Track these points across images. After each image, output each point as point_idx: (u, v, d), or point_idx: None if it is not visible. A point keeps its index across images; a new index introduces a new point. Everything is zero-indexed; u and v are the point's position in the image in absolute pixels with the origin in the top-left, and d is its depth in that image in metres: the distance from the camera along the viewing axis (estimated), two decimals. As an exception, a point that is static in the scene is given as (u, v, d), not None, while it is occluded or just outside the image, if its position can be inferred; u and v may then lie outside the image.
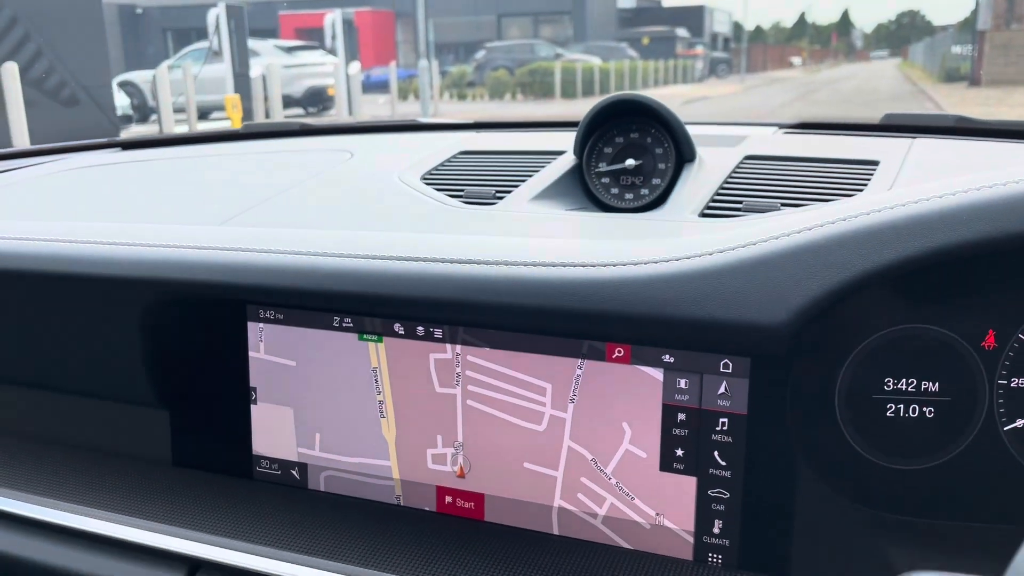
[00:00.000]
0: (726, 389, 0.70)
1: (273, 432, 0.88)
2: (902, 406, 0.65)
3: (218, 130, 1.67)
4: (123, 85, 13.68)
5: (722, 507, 0.72)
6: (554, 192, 1.01)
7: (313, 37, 20.45)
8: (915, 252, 0.56)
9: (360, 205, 1.00)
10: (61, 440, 0.98)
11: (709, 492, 0.72)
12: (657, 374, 0.72)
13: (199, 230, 0.85)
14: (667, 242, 0.68)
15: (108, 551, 0.82)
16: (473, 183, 1.07)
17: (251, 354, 0.87)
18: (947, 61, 24.46)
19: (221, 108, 12.47)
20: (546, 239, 0.73)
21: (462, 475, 0.81)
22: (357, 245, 0.75)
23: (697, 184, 0.99)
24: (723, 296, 0.60)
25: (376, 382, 0.83)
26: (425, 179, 1.09)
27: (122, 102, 11.82)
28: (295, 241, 0.78)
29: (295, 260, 0.75)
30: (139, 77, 14.83)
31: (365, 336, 0.82)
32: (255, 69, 12.50)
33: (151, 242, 0.82)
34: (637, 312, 0.63)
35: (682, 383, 0.72)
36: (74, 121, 8.16)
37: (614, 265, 0.65)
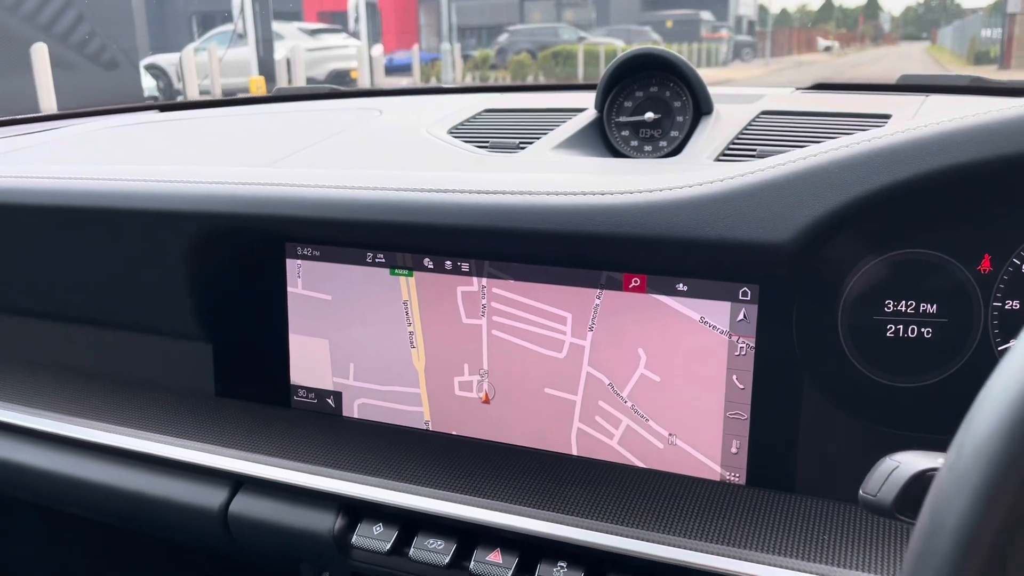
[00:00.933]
0: (736, 315, 0.75)
1: (310, 363, 0.93)
2: (901, 327, 0.69)
3: (252, 95, 1.73)
4: (149, 68, 13.80)
5: (735, 428, 0.77)
6: (575, 143, 1.06)
7: (336, 20, 20.51)
8: (911, 174, 0.60)
9: (390, 153, 1.05)
10: (108, 375, 1.05)
11: (727, 414, 0.77)
12: (671, 302, 0.77)
13: (241, 169, 0.90)
14: (681, 175, 0.73)
15: (157, 470, 0.89)
16: (497, 136, 1.11)
17: (289, 289, 0.93)
18: (976, 44, 24.07)
19: (246, 90, 12.57)
20: (566, 175, 0.78)
21: (487, 401, 0.86)
22: (389, 180, 0.80)
23: (713, 135, 1.03)
24: (731, 217, 0.65)
25: (407, 314, 0.88)
26: (451, 132, 1.14)
27: (148, 84, 11.95)
28: (332, 178, 0.83)
29: (332, 193, 0.80)
30: (165, 60, 14.94)
31: (396, 271, 0.87)
32: (279, 52, 12.58)
33: (196, 179, 0.87)
34: (651, 235, 0.68)
35: (695, 311, 0.76)
36: (116, 84, 8.39)
37: (630, 193, 0.69)
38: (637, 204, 0.68)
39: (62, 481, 0.92)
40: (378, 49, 14.03)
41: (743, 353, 0.75)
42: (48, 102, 6.82)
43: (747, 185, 0.65)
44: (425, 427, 0.89)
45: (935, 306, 0.68)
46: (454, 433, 0.88)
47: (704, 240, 0.67)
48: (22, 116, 1.58)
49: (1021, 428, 0.34)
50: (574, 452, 0.84)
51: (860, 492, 0.50)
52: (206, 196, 0.86)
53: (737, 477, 0.78)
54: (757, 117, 1.09)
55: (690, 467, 0.79)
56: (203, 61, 11.49)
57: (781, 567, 0.66)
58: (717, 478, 0.78)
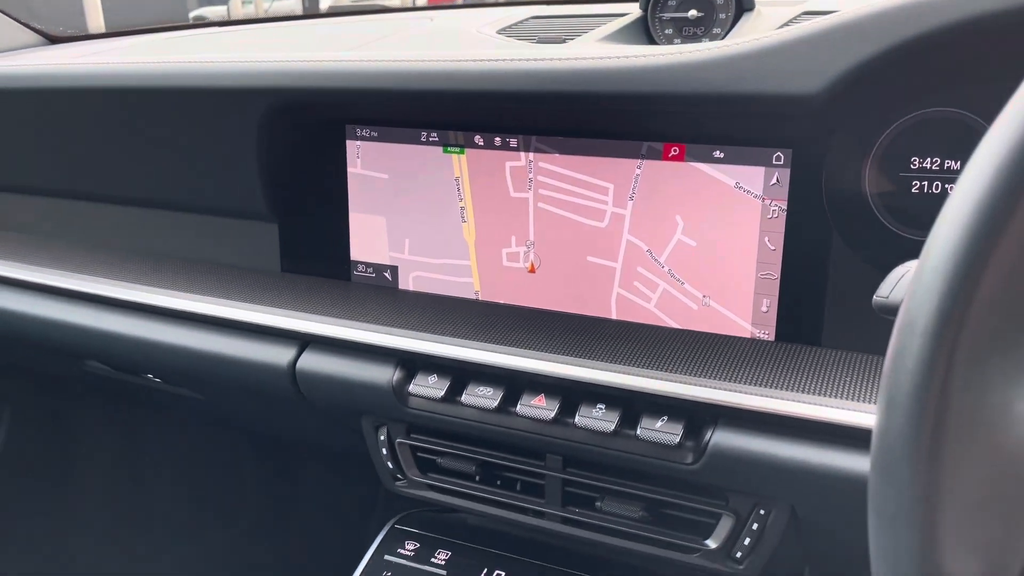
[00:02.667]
0: (770, 180, 0.79)
1: (368, 239, 1.00)
2: (926, 183, 0.73)
3: (307, 13, 1.79)
4: (197, 21, 13.94)
5: (766, 287, 0.82)
6: (619, 38, 1.10)
7: (380, -28, 20.37)
8: (941, 23, 0.63)
9: (442, 47, 1.11)
10: (179, 257, 1.13)
11: (758, 274, 0.82)
12: (708, 169, 0.82)
13: (306, 53, 0.97)
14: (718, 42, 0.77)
15: (231, 333, 0.97)
16: (544, 33, 1.16)
17: (350, 170, 0.99)
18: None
19: (291, 42, 12.62)
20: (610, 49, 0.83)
21: (533, 271, 0.93)
22: (443, 55, 0.86)
23: (752, 30, 1.06)
24: (764, 70, 0.69)
25: (458, 190, 0.94)
26: (500, 32, 1.18)
27: (197, 36, 12.06)
28: (390, 56, 0.89)
29: (390, 66, 0.86)
30: (212, 12, 15.08)
31: (449, 149, 0.93)
32: (324, 2, 12.61)
33: (264, 60, 0.94)
34: (688, 91, 0.73)
35: (730, 177, 0.81)
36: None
37: (668, 54, 0.74)
38: (674, 63, 0.73)
39: (146, 346, 1.01)
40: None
41: (775, 216, 0.80)
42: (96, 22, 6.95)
43: (780, 41, 0.69)
44: (475, 297, 0.96)
45: (959, 162, 0.72)
46: (502, 302, 0.95)
47: (739, 94, 0.71)
48: (90, 33, 1.66)
49: (988, 213, 0.34)
50: (613, 316, 0.90)
51: (874, 297, 0.55)
52: (274, 73, 0.92)
53: (767, 334, 0.83)
54: (798, 15, 1.11)
55: (722, 326, 0.85)
56: (250, 12, 11.59)
57: (806, 403, 0.71)
58: (748, 335, 0.84)
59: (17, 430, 1.58)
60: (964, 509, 0.37)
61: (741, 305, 0.84)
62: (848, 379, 0.74)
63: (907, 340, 0.37)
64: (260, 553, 1.85)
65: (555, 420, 0.80)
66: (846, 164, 0.75)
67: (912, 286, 0.37)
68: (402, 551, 0.95)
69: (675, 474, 0.78)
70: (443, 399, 0.85)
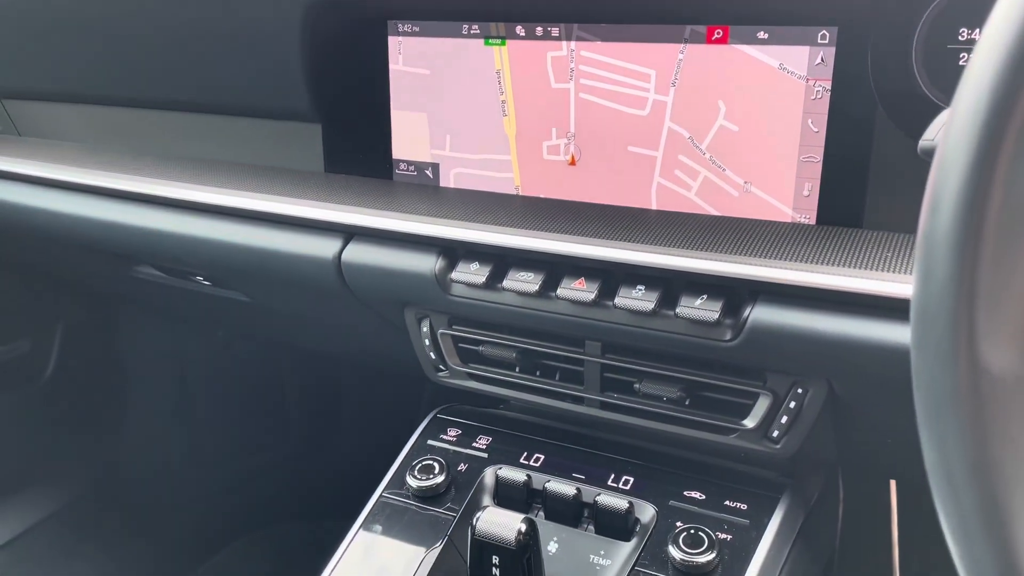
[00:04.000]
0: (814, 59, 0.79)
1: (410, 137, 1.02)
2: (975, 55, 0.72)
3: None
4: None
5: (808, 170, 0.82)
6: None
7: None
8: None
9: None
10: (224, 160, 1.15)
11: (800, 157, 0.82)
12: (752, 51, 0.81)
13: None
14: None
15: (277, 227, 0.99)
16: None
17: (391, 66, 1.00)
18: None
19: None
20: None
21: (573, 163, 0.93)
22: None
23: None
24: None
25: (499, 83, 0.95)
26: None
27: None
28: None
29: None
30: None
31: (490, 41, 0.94)
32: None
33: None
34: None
35: (774, 58, 0.81)
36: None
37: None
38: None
39: (196, 243, 1.04)
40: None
41: (819, 97, 0.80)
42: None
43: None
44: (515, 192, 0.97)
45: (1011, 33, 0.71)
46: (542, 196, 0.96)
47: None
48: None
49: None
50: (653, 206, 0.90)
51: (920, 142, 0.55)
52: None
53: (808, 218, 0.83)
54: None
55: (763, 212, 0.85)
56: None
57: (846, 276, 0.72)
58: (789, 220, 0.84)
59: (69, 346, 1.65)
60: (1005, 301, 0.38)
61: (783, 190, 0.84)
62: (890, 255, 0.74)
63: (956, 137, 0.37)
64: (309, 462, 1.92)
65: (595, 302, 0.82)
66: (893, 39, 0.74)
67: (959, 91, 0.38)
68: (444, 436, 0.98)
69: (713, 353, 0.79)
70: (484, 285, 0.87)
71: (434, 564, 0.84)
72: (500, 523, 0.74)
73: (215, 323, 1.54)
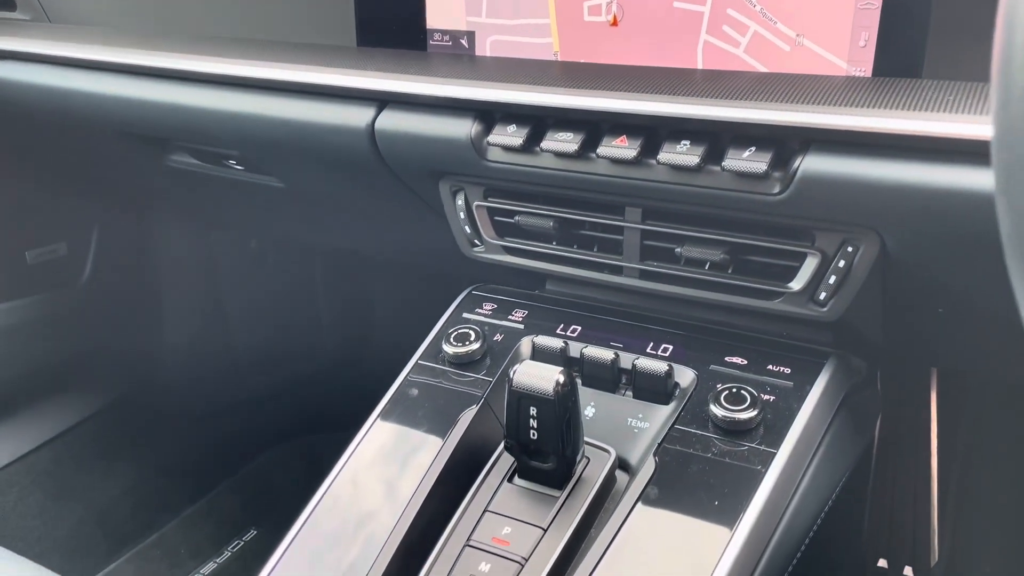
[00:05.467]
0: None
1: (444, 4, 0.98)
2: None
3: None
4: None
5: (865, 19, 0.77)
6: None
7: None
8: None
9: None
10: (254, 39, 1.13)
11: (857, 5, 0.77)
12: None
13: None
14: None
15: (309, 97, 0.97)
16: None
17: (426, -71, 0.96)
18: None
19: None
20: None
21: (615, 23, 0.90)
22: None
23: None
24: None
25: (538, -58, 0.91)
26: None
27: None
28: None
29: None
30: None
31: None
32: None
33: None
34: None
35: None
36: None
37: None
38: None
39: (229, 119, 1.03)
40: None
41: (880, -64, 0.75)
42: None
43: None
44: (554, 58, 0.94)
45: None
46: (582, 61, 0.92)
47: None
48: None
49: None
50: (699, 67, 0.86)
51: None
52: None
53: (863, 71, 0.79)
54: None
55: (816, 66, 0.81)
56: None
57: (905, 119, 0.68)
58: (843, 73, 0.80)
59: (105, 250, 1.66)
60: None
61: (837, 41, 0.80)
62: (951, 99, 0.70)
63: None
64: (342, 373, 1.93)
65: (637, 160, 0.79)
66: None
67: None
68: (479, 310, 0.97)
69: (760, 210, 0.76)
70: (522, 148, 0.84)
71: (469, 425, 0.83)
72: (538, 375, 0.73)
73: (248, 221, 1.53)
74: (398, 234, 1.23)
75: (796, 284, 0.80)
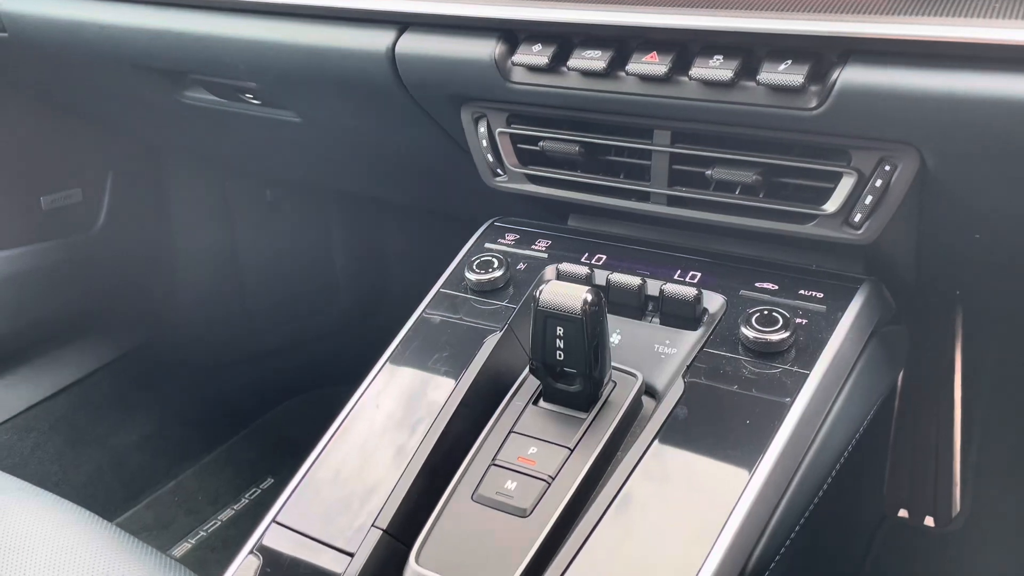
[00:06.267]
0: None
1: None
2: None
3: None
4: None
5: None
6: None
7: None
8: None
9: None
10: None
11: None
12: None
13: None
14: None
15: (327, 22, 0.95)
16: None
17: None
18: None
19: None
20: None
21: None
22: None
23: None
24: None
25: None
26: None
27: None
28: None
29: None
30: None
31: None
32: None
33: None
34: None
35: None
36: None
37: None
38: None
39: (247, 47, 1.01)
40: None
41: None
42: None
43: None
44: (580, -20, 0.91)
45: None
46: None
47: None
48: None
49: None
50: (731, -16, 0.84)
51: None
52: None
53: (904, -17, 0.76)
54: None
55: (854, -20, 0.78)
56: None
57: (951, 26, 0.65)
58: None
59: (120, 197, 1.64)
60: None
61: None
62: (998, 5, 0.67)
63: None
64: (358, 326, 1.92)
65: (667, 76, 0.76)
66: None
67: None
68: (502, 240, 0.95)
69: (796, 125, 0.74)
70: (547, 67, 0.82)
71: (493, 351, 0.82)
72: (565, 293, 0.71)
73: (264, 164, 1.51)
74: (417, 170, 1.21)
75: (831, 206, 0.78)
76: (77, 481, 1.60)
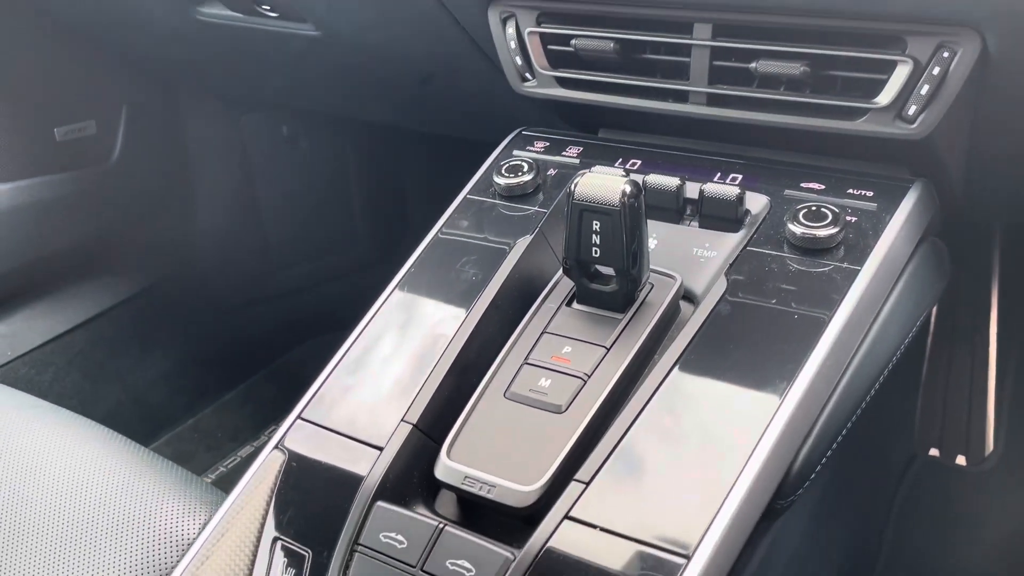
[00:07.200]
0: None
1: None
2: None
3: None
4: None
5: None
6: None
7: None
8: None
9: None
10: None
11: None
12: None
13: None
14: None
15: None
16: None
17: None
18: None
19: None
20: None
21: None
22: None
23: None
24: None
25: None
26: None
27: None
28: None
29: None
30: None
31: None
32: None
33: None
34: None
35: None
36: None
37: None
38: None
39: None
40: None
41: None
42: None
43: None
44: None
45: None
46: None
47: None
48: None
49: None
50: None
51: None
52: None
53: None
54: None
55: None
56: None
57: None
58: None
59: (135, 129, 1.61)
60: None
61: None
62: None
63: None
64: (378, 267, 1.90)
65: (710, -40, 0.72)
66: None
67: None
68: (531, 148, 0.91)
69: (848, 7, 0.69)
70: None
71: (523, 254, 0.78)
72: (602, 184, 0.67)
73: (280, 88, 1.47)
74: (439, 89, 1.17)
75: (884, 98, 0.73)
76: (96, 416, 1.57)
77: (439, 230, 0.85)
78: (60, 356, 1.56)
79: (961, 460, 1.42)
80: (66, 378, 1.57)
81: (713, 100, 0.81)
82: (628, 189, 0.67)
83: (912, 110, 0.73)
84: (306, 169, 1.83)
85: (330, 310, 1.93)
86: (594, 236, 0.69)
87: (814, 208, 0.73)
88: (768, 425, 0.63)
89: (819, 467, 0.70)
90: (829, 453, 0.71)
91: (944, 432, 1.44)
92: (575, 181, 0.69)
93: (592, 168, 0.84)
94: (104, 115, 1.58)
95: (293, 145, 1.80)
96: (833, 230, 0.71)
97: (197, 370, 1.73)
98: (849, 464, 1.07)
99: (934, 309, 1.30)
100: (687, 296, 0.75)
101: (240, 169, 1.77)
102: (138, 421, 1.63)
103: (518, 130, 0.95)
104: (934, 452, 1.44)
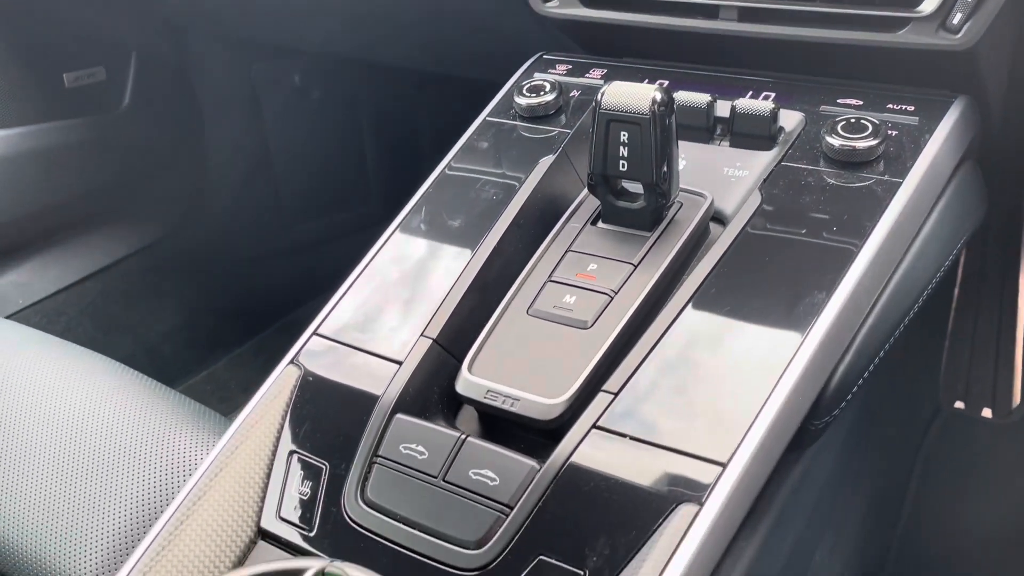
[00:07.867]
0: None
1: None
2: None
3: None
4: None
5: None
6: None
7: None
8: None
9: None
10: None
11: None
12: None
13: None
14: None
15: None
16: None
17: None
18: None
19: None
20: None
21: None
22: None
23: None
24: None
25: None
26: None
27: None
28: None
29: None
30: None
31: None
32: None
33: None
34: None
35: None
36: None
37: None
38: None
39: None
40: None
41: None
42: None
43: None
44: None
45: None
46: None
47: None
48: None
49: None
50: None
51: None
52: None
53: None
54: None
55: None
56: None
57: None
58: None
59: (144, 76, 1.58)
60: None
61: None
62: None
63: None
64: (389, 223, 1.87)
65: None
66: None
67: None
68: (553, 70, 0.87)
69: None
70: None
71: (546, 173, 0.75)
72: (631, 93, 0.64)
73: (289, 27, 1.43)
74: (454, 22, 1.13)
75: (927, 6, 0.69)
76: (109, 367, 1.58)
77: (458, 150, 0.82)
78: (72, 306, 1.55)
79: (987, 413, 1.39)
80: (78, 328, 1.55)
81: (745, 15, 0.78)
82: (659, 96, 0.64)
83: (957, 18, 0.69)
84: (319, 120, 1.80)
85: (344, 266, 1.91)
86: (622, 148, 0.66)
87: (853, 120, 0.69)
88: (804, 340, 0.60)
89: (851, 395, 0.67)
90: (860, 382, 0.68)
91: (970, 385, 1.40)
92: (602, 91, 0.65)
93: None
94: (114, 61, 1.55)
95: (305, 95, 1.77)
96: (873, 142, 0.67)
97: (210, 322, 1.71)
98: (876, 410, 1.04)
99: (963, 255, 1.26)
100: (717, 218, 0.72)
101: (252, 119, 1.74)
102: (151, 372, 1.60)
103: (539, 54, 0.92)
104: (959, 405, 1.41)
